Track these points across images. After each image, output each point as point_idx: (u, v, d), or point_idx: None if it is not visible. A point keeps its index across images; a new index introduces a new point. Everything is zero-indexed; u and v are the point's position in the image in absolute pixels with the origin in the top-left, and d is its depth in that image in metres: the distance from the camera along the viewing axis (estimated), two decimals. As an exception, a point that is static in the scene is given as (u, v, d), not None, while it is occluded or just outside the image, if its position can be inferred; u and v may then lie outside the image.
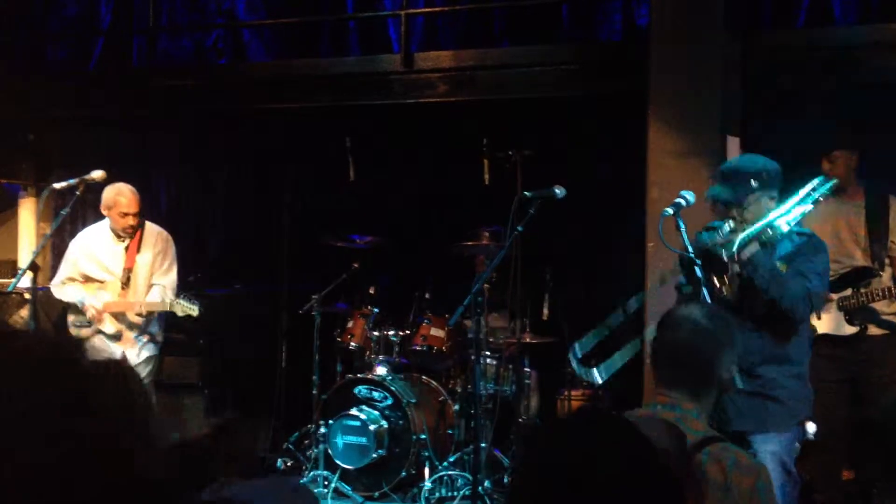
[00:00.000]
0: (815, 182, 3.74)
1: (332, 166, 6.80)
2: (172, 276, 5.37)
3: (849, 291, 4.74)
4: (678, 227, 3.64)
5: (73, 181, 5.10)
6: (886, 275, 4.76)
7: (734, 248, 3.50)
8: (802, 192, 3.70)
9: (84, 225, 7.44)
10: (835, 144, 4.87)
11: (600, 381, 3.62)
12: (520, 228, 4.22)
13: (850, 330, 4.73)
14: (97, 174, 5.14)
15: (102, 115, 6.99)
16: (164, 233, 5.43)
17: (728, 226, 3.58)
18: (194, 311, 5.11)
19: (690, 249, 3.61)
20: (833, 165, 4.83)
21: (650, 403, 2.35)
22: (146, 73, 6.98)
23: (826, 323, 4.78)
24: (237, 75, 6.76)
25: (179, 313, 5.12)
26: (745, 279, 3.51)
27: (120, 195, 5.23)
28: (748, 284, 3.51)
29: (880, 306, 4.71)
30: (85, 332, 5.27)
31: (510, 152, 5.71)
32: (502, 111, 6.23)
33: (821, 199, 3.68)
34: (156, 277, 5.32)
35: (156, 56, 7.02)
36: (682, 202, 3.68)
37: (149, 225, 5.40)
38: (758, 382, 3.52)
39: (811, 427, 3.61)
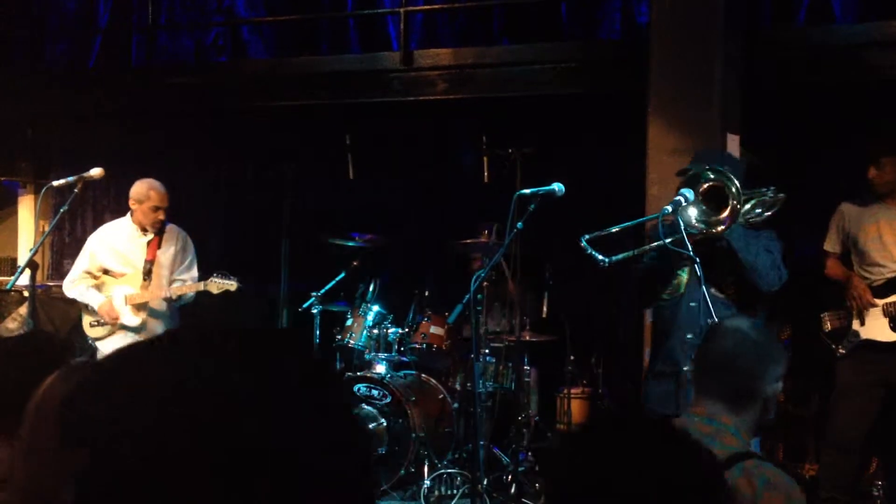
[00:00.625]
0: (765, 190, 3.79)
1: (332, 164, 6.79)
2: (194, 272, 5.43)
3: (894, 297, 4.71)
4: (678, 225, 3.63)
5: (71, 179, 5.09)
6: None
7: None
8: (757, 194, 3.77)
9: (83, 223, 7.45)
10: (878, 153, 4.78)
11: (602, 259, 3.66)
12: (519, 226, 4.21)
13: (893, 336, 4.68)
14: (96, 172, 5.13)
15: (101, 113, 6.99)
16: (183, 232, 5.51)
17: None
18: (232, 286, 5.14)
19: (690, 248, 3.61)
20: (881, 172, 4.77)
21: (688, 414, 2.27)
22: (145, 71, 6.97)
23: (870, 329, 4.74)
24: (237, 73, 6.76)
25: (215, 291, 5.16)
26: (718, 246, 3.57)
27: (153, 189, 5.31)
28: (720, 254, 3.57)
29: None
30: (100, 330, 5.27)
31: (510, 150, 5.70)
32: (502, 109, 6.23)
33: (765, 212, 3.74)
34: (178, 273, 5.39)
35: (155, 54, 7.01)
36: (682, 200, 3.68)
37: (170, 225, 5.47)
38: None
39: None
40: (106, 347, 5.27)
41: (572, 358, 5.83)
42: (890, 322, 4.69)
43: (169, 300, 5.27)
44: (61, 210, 5.16)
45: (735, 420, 2.22)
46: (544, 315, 6.00)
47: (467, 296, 4.22)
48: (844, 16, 5.44)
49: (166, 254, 5.37)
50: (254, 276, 6.89)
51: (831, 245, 4.97)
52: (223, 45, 6.89)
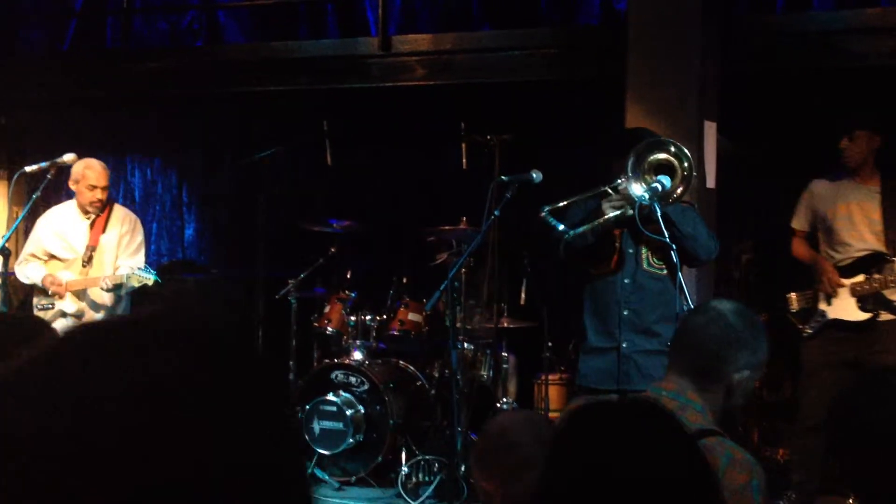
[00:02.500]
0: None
1: (310, 150, 6.75)
2: (139, 258, 5.27)
3: (861, 277, 4.70)
4: (654, 212, 3.64)
5: (44, 164, 5.03)
6: None
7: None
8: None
9: (57, 209, 7.35)
10: (852, 124, 4.74)
11: (565, 230, 3.71)
12: (497, 213, 4.20)
13: (862, 316, 4.68)
14: (69, 157, 5.07)
15: (76, 97, 6.90)
16: (133, 215, 5.36)
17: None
18: (150, 279, 5.03)
19: (667, 235, 3.61)
20: (852, 144, 4.73)
21: (656, 388, 2.26)
22: (120, 55, 6.89)
23: (838, 308, 4.74)
24: (213, 58, 6.69)
25: (136, 284, 5.04)
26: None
27: (88, 168, 5.15)
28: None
29: (891, 292, 4.66)
30: (49, 314, 5.19)
31: (488, 136, 5.68)
32: (480, 95, 6.20)
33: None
34: (122, 259, 5.22)
35: (130, 38, 6.93)
36: (659, 187, 3.68)
37: (117, 206, 5.35)
38: (657, 340, 3.74)
39: None
40: None
41: (550, 344, 5.83)
42: (858, 302, 4.71)
43: (107, 289, 5.09)
44: (34, 196, 5.11)
45: (701, 398, 2.19)
46: (522, 302, 5.99)
47: (445, 283, 4.21)
48: (822, 3, 5.45)
49: (110, 239, 5.22)
50: (230, 263, 6.87)
51: (799, 223, 4.96)
52: (199, 28, 6.82)
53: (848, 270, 4.74)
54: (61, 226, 5.27)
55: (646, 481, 1.27)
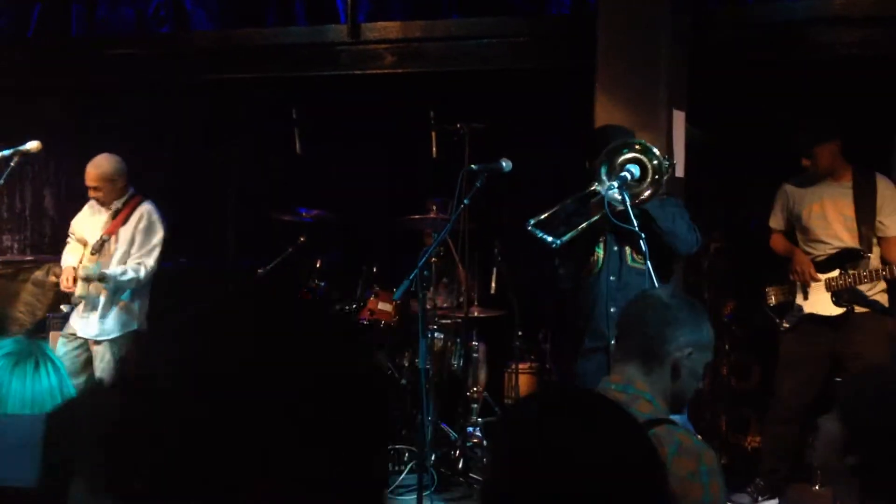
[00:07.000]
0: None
1: (279, 138, 6.70)
2: (151, 259, 5.27)
3: (836, 273, 4.76)
4: (623, 202, 3.64)
5: (7, 152, 4.95)
6: (874, 255, 4.75)
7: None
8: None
9: (21, 197, 7.28)
10: (807, 144, 4.80)
11: (553, 241, 3.68)
12: (466, 201, 4.20)
13: (836, 310, 4.74)
14: (32, 145, 5.00)
15: (40, 84, 6.80)
16: (154, 215, 5.34)
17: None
18: (92, 274, 5.12)
19: (636, 224, 3.62)
20: (815, 161, 4.79)
21: (604, 381, 2.29)
22: (85, 42, 6.79)
23: (813, 303, 4.80)
24: (180, 45, 6.61)
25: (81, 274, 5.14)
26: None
27: (86, 169, 5.29)
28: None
29: (866, 287, 4.72)
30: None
31: (458, 125, 5.66)
32: (450, 83, 6.18)
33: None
34: (133, 255, 5.26)
35: (95, 24, 6.83)
36: (627, 176, 3.69)
37: (144, 205, 5.34)
38: None
39: None
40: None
41: (520, 333, 5.84)
42: (832, 297, 4.76)
43: (87, 280, 5.17)
44: (-2, 183, 5.04)
45: (649, 386, 2.22)
46: (493, 290, 5.99)
47: (414, 272, 4.20)
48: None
49: (126, 231, 5.29)
50: (199, 252, 6.81)
51: (776, 222, 5.05)
52: (165, 15, 6.73)
53: (823, 266, 4.80)
54: (88, 212, 5.41)
55: (589, 469, 1.26)
